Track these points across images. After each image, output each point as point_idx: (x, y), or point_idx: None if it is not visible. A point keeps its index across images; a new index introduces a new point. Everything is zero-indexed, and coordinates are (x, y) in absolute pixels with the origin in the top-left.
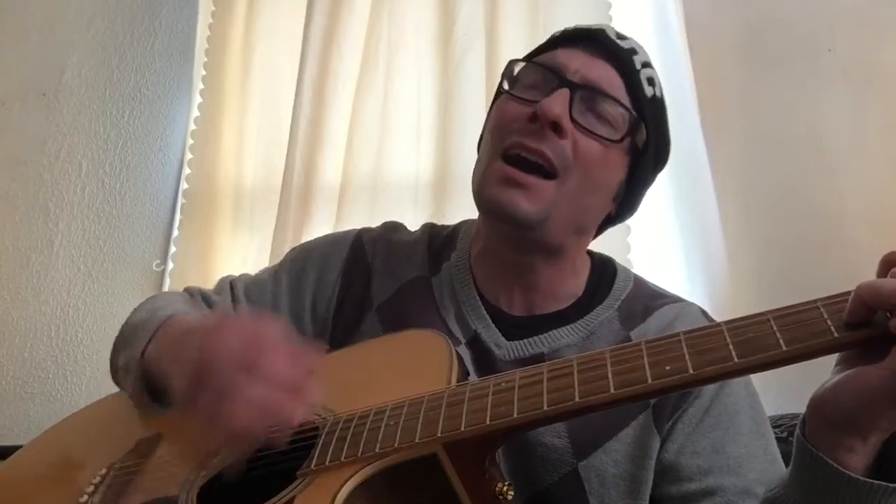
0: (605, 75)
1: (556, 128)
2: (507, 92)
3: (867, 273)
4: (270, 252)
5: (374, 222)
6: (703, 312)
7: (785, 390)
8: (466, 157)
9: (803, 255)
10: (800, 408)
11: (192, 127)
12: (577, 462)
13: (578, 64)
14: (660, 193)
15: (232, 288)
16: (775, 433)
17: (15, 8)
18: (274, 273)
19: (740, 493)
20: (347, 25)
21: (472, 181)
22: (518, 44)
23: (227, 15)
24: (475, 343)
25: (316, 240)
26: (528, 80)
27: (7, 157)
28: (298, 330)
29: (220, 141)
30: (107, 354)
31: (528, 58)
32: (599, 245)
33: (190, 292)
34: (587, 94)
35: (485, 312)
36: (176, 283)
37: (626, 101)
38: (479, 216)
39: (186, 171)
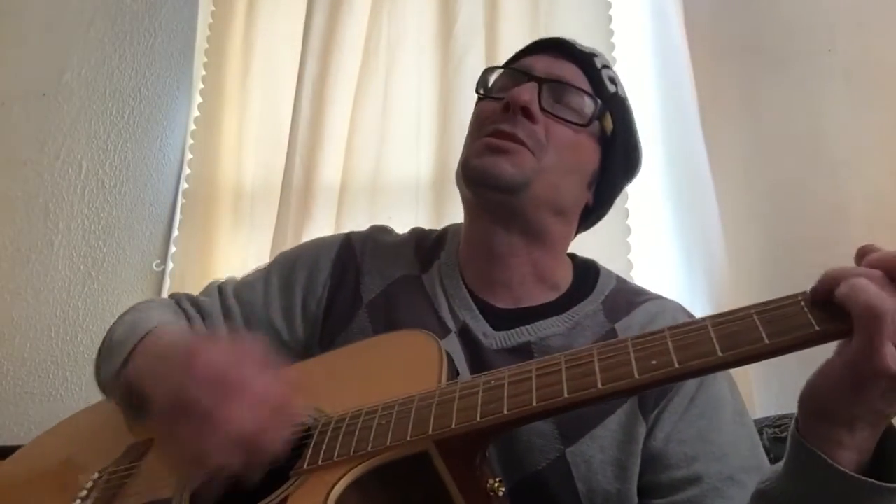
0: (569, 72)
1: (527, 113)
2: (480, 96)
3: None
4: (270, 252)
5: (375, 222)
6: (683, 309)
7: (785, 390)
8: None
9: (804, 254)
10: None
11: (192, 127)
12: (564, 448)
13: (544, 64)
14: (659, 193)
15: (220, 291)
16: (775, 433)
17: (15, 8)
18: (265, 275)
19: (725, 480)
20: (347, 25)
21: (457, 170)
22: (518, 44)
23: (227, 15)
24: (465, 333)
25: (305, 243)
26: (500, 84)
27: (7, 157)
28: (289, 329)
29: (220, 141)
30: None
31: (498, 67)
32: (599, 243)
33: (176, 299)
34: (554, 85)
35: (472, 304)
36: (176, 283)
37: (590, 91)
38: (465, 206)
39: (186, 171)
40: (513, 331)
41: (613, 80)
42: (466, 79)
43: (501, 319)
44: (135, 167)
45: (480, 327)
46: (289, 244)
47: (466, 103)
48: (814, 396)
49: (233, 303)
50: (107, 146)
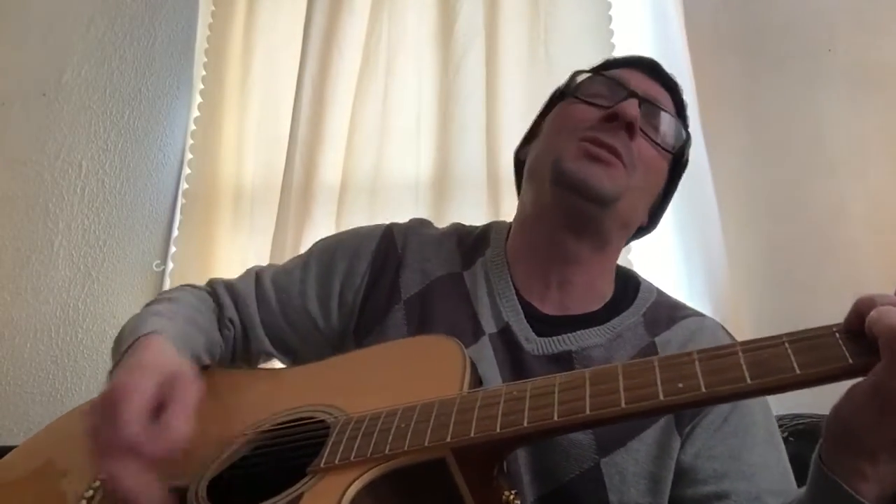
0: (662, 95)
1: (630, 129)
2: (574, 97)
3: (867, 273)
4: (270, 252)
5: (375, 222)
6: (722, 327)
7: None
8: (466, 157)
9: (803, 255)
10: (800, 409)
11: (192, 127)
12: (599, 458)
13: (638, 81)
14: None
15: (257, 277)
16: None
17: (15, 8)
18: (303, 262)
19: (752, 500)
20: (347, 25)
21: (537, 165)
22: (518, 43)
23: (227, 15)
24: (505, 334)
25: (346, 231)
26: (593, 90)
27: (7, 157)
28: (325, 317)
29: (220, 141)
30: (107, 354)
31: (591, 71)
32: None
33: (213, 285)
34: (650, 107)
35: (518, 306)
36: (176, 283)
37: (678, 119)
38: (535, 204)
39: (186, 171)
40: (555, 338)
41: (688, 116)
42: (466, 79)
43: (544, 325)
44: (135, 167)
45: (523, 331)
46: (289, 244)
47: (466, 103)
48: (838, 420)
49: (269, 289)
50: (107, 146)
